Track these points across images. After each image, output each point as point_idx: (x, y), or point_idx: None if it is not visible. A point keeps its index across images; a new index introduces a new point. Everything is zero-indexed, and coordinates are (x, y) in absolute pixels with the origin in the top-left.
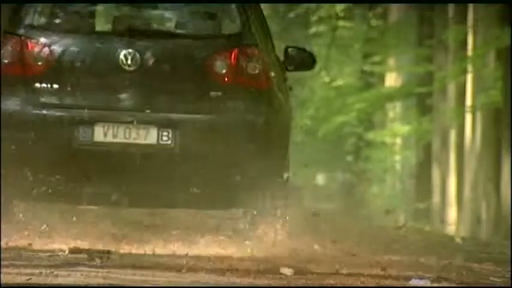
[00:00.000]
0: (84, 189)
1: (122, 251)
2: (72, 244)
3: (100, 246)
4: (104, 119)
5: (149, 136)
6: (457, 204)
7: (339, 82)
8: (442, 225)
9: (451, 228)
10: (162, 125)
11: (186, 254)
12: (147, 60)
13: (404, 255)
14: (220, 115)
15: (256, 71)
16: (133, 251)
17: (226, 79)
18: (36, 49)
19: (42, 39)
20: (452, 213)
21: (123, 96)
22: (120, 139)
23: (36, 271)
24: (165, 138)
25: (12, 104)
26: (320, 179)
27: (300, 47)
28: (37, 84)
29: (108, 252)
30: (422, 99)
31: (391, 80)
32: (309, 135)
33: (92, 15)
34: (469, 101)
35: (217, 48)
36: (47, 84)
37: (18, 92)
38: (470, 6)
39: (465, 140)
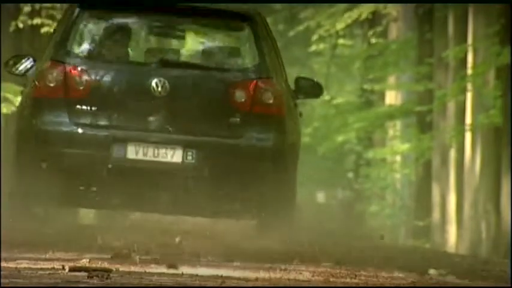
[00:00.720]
0: (117, 198)
1: (122, 269)
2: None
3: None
4: (136, 139)
5: (175, 155)
6: (457, 223)
7: (339, 100)
8: (442, 243)
9: (450, 246)
10: (187, 146)
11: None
12: (175, 88)
13: (403, 272)
14: (239, 138)
15: (271, 101)
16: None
17: (244, 107)
18: (78, 75)
19: (83, 67)
20: (452, 231)
21: (153, 119)
22: (149, 157)
23: None
24: (189, 157)
25: (54, 123)
26: (320, 196)
27: (309, 77)
28: (78, 106)
29: (108, 270)
30: (422, 117)
31: (391, 98)
32: (308, 153)
33: (127, 45)
34: (468, 119)
35: (237, 80)
36: (87, 106)
37: (62, 112)
38: (470, 25)
39: (465, 158)
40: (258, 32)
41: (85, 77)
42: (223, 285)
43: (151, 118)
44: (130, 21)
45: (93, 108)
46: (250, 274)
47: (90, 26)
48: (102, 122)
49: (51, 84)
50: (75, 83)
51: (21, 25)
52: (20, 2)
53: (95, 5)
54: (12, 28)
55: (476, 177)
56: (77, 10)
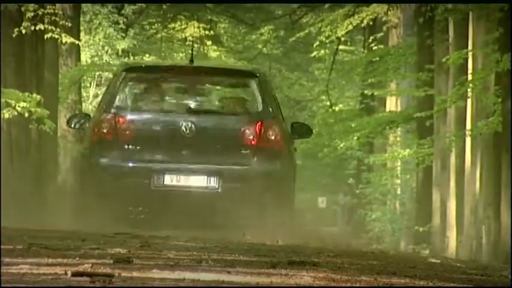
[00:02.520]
0: (157, 217)
1: (124, 274)
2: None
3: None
4: (170, 169)
5: (201, 181)
6: (457, 228)
7: (340, 106)
8: (442, 248)
9: (451, 252)
10: (209, 174)
11: (183, 278)
12: (199, 130)
13: (403, 278)
14: (249, 167)
15: (273, 137)
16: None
17: (253, 142)
18: (125, 123)
19: (128, 116)
20: (452, 236)
21: (183, 154)
22: (181, 183)
23: None
24: (212, 183)
25: (109, 159)
26: (321, 202)
27: (302, 122)
28: (126, 146)
29: (110, 275)
30: (422, 123)
31: (392, 104)
32: (310, 159)
33: (161, 98)
34: (468, 125)
35: (247, 122)
36: (132, 146)
37: (114, 151)
38: (470, 31)
39: (465, 163)
40: (262, 86)
41: (130, 124)
42: None
43: (181, 153)
44: (162, 80)
45: (137, 147)
46: (252, 279)
47: (133, 85)
48: (145, 158)
49: (105, 131)
50: (123, 129)
51: (23, 31)
52: (21, 2)
53: (135, 70)
54: (14, 34)
55: (476, 183)
56: (122, 74)
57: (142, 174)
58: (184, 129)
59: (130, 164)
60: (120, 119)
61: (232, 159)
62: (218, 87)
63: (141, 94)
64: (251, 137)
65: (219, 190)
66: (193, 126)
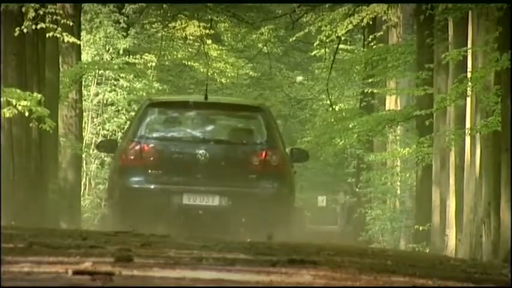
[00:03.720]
0: (177, 229)
1: (125, 273)
2: None
3: None
4: (188, 190)
5: (214, 200)
6: (457, 226)
7: (340, 105)
8: (442, 246)
9: (451, 250)
10: (221, 194)
11: (184, 276)
12: (212, 157)
13: (403, 276)
14: (255, 188)
15: (276, 163)
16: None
17: (258, 168)
18: (149, 150)
19: (151, 144)
20: (452, 235)
21: (199, 177)
22: (198, 202)
23: None
24: (224, 202)
25: (136, 182)
26: (322, 200)
27: (300, 148)
28: (149, 171)
29: (111, 274)
30: (422, 122)
31: (392, 103)
32: (310, 159)
33: (180, 129)
34: (468, 124)
35: (254, 150)
36: (155, 170)
37: (139, 175)
38: (470, 30)
39: (465, 162)
40: (266, 119)
41: (153, 151)
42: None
43: (197, 176)
44: (180, 113)
45: (159, 172)
46: (252, 277)
47: (155, 117)
48: (166, 180)
49: (132, 157)
50: (147, 155)
51: (25, 30)
52: (21, 2)
53: (157, 104)
54: (16, 33)
55: (475, 181)
56: (146, 108)
57: (164, 195)
58: (199, 156)
59: (153, 186)
60: (145, 147)
61: (240, 182)
62: (229, 120)
63: (162, 125)
64: (257, 163)
65: (230, 208)
66: (207, 153)
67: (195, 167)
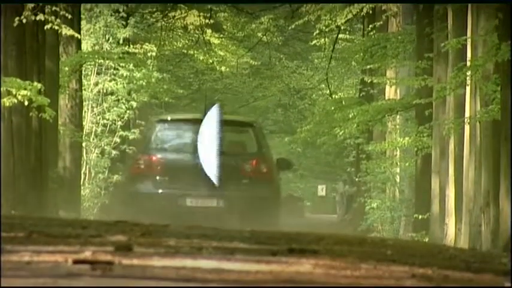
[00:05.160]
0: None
1: (125, 262)
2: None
3: None
4: (190, 195)
5: (212, 202)
6: (456, 216)
7: (339, 94)
8: (442, 236)
9: (450, 240)
10: (218, 197)
11: (184, 266)
12: None
13: (403, 265)
14: (248, 192)
15: (265, 170)
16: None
17: (249, 174)
18: (156, 160)
19: (159, 155)
20: (451, 224)
21: (199, 183)
22: (199, 204)
23: (40, 281)
24: (220, 203)
25: (145, 187)
26: (321, 190)
27: (284, 158)
28: (157, 177)
29: (111, 263)
30: (421, 110)
31: (391, 92)
32: (310, 148)
33: (184, 143)
34: (467, 112)
35: (246, 159)
36: (162, 177)
37: (148, 181)
38: (469, 19)
39: (464, 151)
40: (256, 132)
41: (160, 161)
42: (225, 277)
43: (198, 182)
44: (184, 128)
45: (165, 179)
46: (252, 267)
47: (162, 132)
48: (171, 186)
49: (142, 166)
50: (155, 165)
51: (24, 21)
52: (21, 2)
53: (164, 121)
54: (15, 23)
55: (475, 170)
56: (154, 124)
57: (169, 199)
58: (199, 165)
59: (161, 191)
60: (153, 158)
61: (234, 187)
62: (225, 134)
63: (168, 139)
64: (249, 170)
65: (226, 208)
66: None
67: (196, 174)
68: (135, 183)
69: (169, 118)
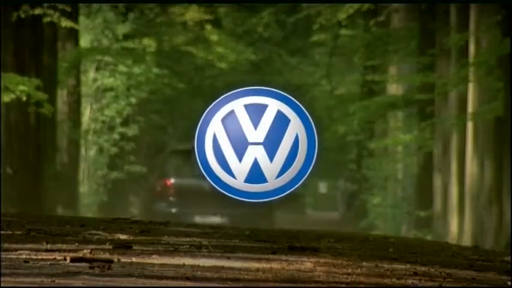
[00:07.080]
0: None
1: (123, 260)
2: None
3: None
4: (198, 213)
5: (217, 218)
6: (459, 213)
7: (341, 90)
8: (444, 233)
9: (452, 237)
10: (222, 215)
11: (183, 264)
12: (215, 187)
13: (405, 263)
14: (246, 209)
15: None
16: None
17: None
18: (170, 184)
19: (172, 179)
20: (454, 221)
21: (206, 203)
22: (205, 220)
23: (38, 279)
24: (224, 219)
25: (161, 206)
26: (322, 187)
27: None
28: (171, 198)
29: (109, 261)
30: (423, 107)
31: (393, 88)
32: None
33: (193, 169)
34: (470, 109)
35: None
36: (175, 198)
37: (163, 202)
38: (472, 15)
39: (467, 148)
40: None
41: (174, 184)
42: (225, 276)
43: (205, 202)
44: (192, 157)
45: (178, 199)
46: (252, 265)
47: (175, 161)
48: (183, 205)
49: (159, 189)
50: (169, 188)
51: (23, 15)
52: (21, 2)
53: (176, 151)
54: (14, 18)
55: (477, 168)
56: (168, 154)
57: (181, 216)
58: (205, 188)
59: (174, 210)
60: (167, 182)
61: (236, 206)
62: None
63: (180, 166)
64: None
65: (229, 223)
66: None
67: (203, 195)
68: (154, 204)
69: (180, 149)
